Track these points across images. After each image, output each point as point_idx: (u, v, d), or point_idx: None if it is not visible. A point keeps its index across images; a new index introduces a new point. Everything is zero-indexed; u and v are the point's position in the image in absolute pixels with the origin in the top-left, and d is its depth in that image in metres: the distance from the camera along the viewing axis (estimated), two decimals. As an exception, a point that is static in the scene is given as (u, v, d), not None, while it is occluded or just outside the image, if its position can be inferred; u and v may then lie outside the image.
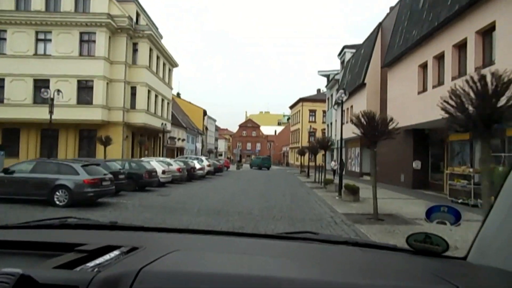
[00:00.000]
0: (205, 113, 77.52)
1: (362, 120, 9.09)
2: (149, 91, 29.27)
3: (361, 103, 26.63)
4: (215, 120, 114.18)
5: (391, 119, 8.79)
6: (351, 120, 9.03)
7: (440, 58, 14.50)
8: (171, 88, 37.70)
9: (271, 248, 1.42)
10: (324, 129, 60.40)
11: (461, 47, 12.97)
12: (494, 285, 1.06)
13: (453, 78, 13.06)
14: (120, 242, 1.23)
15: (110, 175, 11.72)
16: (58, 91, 19.98)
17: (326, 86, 48.66)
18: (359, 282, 0.98)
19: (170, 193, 15.45)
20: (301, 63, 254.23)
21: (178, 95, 75.53)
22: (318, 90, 69.60)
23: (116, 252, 1.11)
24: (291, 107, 69.70)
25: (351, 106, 30.68)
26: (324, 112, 61.12)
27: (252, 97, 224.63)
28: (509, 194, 1.13)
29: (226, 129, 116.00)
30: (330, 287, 0.93)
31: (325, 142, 20.94)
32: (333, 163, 33.16)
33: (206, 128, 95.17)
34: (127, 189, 15.16)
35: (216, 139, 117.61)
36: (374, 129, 8.79)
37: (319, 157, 51.71)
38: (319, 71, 48.06)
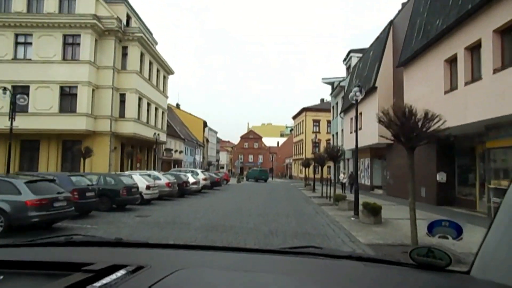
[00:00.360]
0: (205, 124, 75.37)
1: (393, 116, 6.59)
2: (140, 99, 27.01)
3: (371, 109, 24.20)
4: (216, 132, 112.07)
5: (436, 115, 6.30)
6: (380, 120, 6.45)
7: (474, 48, 12.08)
8: (167, 97, 35.49)
9: (274, 265, 1.43)
10: (329, 139, 57.92)
11: (504, 32, 10.53)
12: None
13: (496, 71, 10.60)
14: (125, 261, 1.24)
15: (66, 194, 9.21)
16: (21, 94, 17.61)
17: (330, 94, 46.37)
18: None
19: (152, 213, 12.92)
20: (304, 70, 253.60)
21: (178, 106, 73.57)
22: (322, 100, 67.43)
23: (122, 272, 1.13)
24: (294, 117, 67.42)
25: (360, 114, 28.23)
26: (328, 122, 58.74)
27: (254, 109, 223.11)
28: (510, 207, 1.12)
29: (228, 141, 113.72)
30: None
31: (335, 152, 18.39)
32: (342, 175, 30.56)
33: (207, 140, 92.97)
34: (100, 208, 12.71)
35: (218, 152, 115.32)
36: (412, 129, 6.29)
37: (325, 169, 49.11)
38: (323, 79, 45.82)
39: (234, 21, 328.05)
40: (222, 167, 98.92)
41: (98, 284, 1.00)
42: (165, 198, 18.06)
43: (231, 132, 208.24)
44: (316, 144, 59.61)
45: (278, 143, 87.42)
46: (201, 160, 71.77)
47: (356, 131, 13.59)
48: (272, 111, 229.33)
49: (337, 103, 42.82)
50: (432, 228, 1.42)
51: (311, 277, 1.23)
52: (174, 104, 72.98)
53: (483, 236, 1.20)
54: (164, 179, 18.27)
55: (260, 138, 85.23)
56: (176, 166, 44.42)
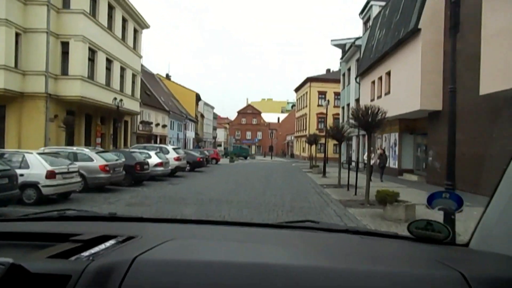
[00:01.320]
0: (198, 97, 68.33)
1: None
2: (93, 51, 20.13)
3: (409, 64, 17.33)
4: (213, 108, 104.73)
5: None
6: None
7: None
8: (140, 56, 28.48)
9: (270, 237, 1.40)
10: (337, 114, 51.11)
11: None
12: (497, 270, 1.03)
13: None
14: (116, 232, 1.22)
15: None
16: None
17: (341, 59, 39.19)
18: (358, 268, 0.97)
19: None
20: (307, 43, 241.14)
21: (168, 76, 66.37)
22: (328, 70, 60.11)
23: (111, 242, 1.11)
24: (297, 89, 60.28)
25: (388, 73, 21.34)
26: (336, 94, 51.74)
27: (254, 84, 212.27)
28: (510, 180, 1.12)
29: (227, 118, 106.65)
30: (328, 273, 0.91)
31: (369, 120, 11.71)
32: (366, 155, 24.00)
33: (202, 116, 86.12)
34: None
35: (215, 128, 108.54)
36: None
37: (330, 147, 42.91)
38: (332, 41, 38.58)
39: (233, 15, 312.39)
40: (220, 145, 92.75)
41: (86, 253, 0.99)
42: (102, 189, 11.61)
43: (229, 108, 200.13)
44: (321, 119, 52.86)
45: (278, 119, 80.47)
46: (194, 136, 65.25)
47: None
48: (273, 86, 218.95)
49: (349, 69, 35.80)
50: (432, 199, 1.35)
51: (307, 249, 1.23)
52: (163, 75, 65.95)
53: (483, 210, 1.20)
54: (99, 161, 11.68)
55: (259, 113, 78.32)
56: (159, 142, 37.88)
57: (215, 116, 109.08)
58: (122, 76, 24.90)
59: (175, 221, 1.63)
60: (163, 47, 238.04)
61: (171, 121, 43.08)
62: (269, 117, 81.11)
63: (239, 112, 77.71)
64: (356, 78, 28.95)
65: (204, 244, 1.18)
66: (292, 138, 67.00)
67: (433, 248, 1.23)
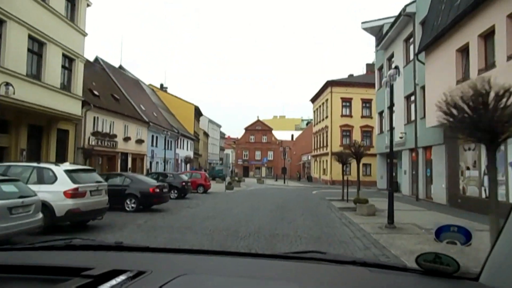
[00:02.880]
0: (198, 111, 59.05)
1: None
2: None
3: None
4: (219, 126, 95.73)
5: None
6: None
7: None
8: (84, 34, 19.02)
9: (277, 270, 1.40)
10: (367, 126, 40.81)
11: None
12: None
13: None
14: (126, 265, 1.22)
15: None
16: None
17: (376, 48, 29.13)
18: None
19: None
20: (321, 58, 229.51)
21: (162, 87, 57.49)
22: (351, 76, 50.11)
23: (122, 277, 1.09)
24: (314, 98, 50.27)
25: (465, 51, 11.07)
26: (365, 101, 41.61)
27: (265, 102, 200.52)
28: None
29: (237, 138, 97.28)
30: None
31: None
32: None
33: (206, 134, 76.74)
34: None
35: (222, 149, 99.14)
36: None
37: (353, 167, 32.11)
38: (363, 23, 28.68)
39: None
40: (229, 167, 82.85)
41: None
42: None
43: (237, 128, 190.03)
44: (345, 133, 42.53)
45: (292, 136, 70.36)
46: (193, 156, 55.45)
47: None
48: (286, 103, 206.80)
49: (391, 57, 25.69)
50: (440, 233, 1.36)
51: (314, 283, 1.22)
52: (157, 85, 57.19)
53: (493, 243, 1.19)
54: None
55: (270, 130, 68.37)
56: (131, 162, 28.06)
57: (223, 136, 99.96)
58: (44, 58, 15.43)
59: (183, 251, 1.65)
60: (168, 64, 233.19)
61: (152, 136, 33.35)
62: (282, 135, 71.12)
63: (246, 129, 67.92)
64: (416, 56, 18.67)
65: (215, 281, 1.18)
66: (309, 158, 56.53)
67: (442, 282, 1.22)
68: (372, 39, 31.21)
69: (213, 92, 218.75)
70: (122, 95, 30.02)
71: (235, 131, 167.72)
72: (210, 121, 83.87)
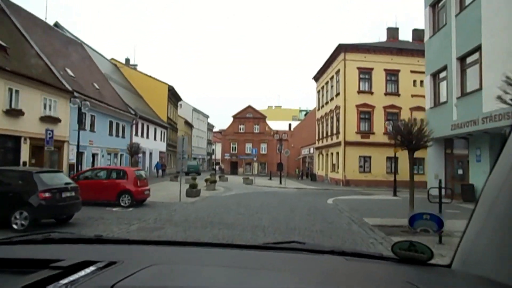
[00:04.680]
0: (174, 94, 47.89)
1: None
2: None
3: None
4: (207, 116, 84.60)
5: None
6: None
7: None
8: None
9: (254, 260, 1.39)
10: (392, 106, 30.30)
11: None
12: None
13: None
14: (99, 257, 1.19)
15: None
16: None
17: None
18: None
19: None
20: (321, 44, 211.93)
21: (128, 63, 46.27)
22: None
23: (92, 268, 1.08)
24: (319, 74, 39.31)
25: None
26: (390, 73, 30.89)
27: (259, 93, 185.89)
28: (488, 198, 1.12)
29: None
30: None
31: None
32: None
33: (189, 124, 65.61)
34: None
35: (210, 142, 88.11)
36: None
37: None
38: None
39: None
40: (218, 163, 72.04)
41: (64, 281, 0.95)
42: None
43: (230, 120, 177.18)
44: (365, 115, 31.75)
45: (290, 125, 59.49)
46: (166, 149, 44.62)
47: None
48: (282, 95, 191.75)
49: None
50: (413, 221, 1.40)
51: (292, 272, 1.23)
52: (119, 59, 46.04)
53: (463, 230, 1.20)
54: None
55: (263, 118, 57.28)
56: (30, 152, 17.12)
57: (211, 128, 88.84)
58: None
59: (160, 243, 1.64)
60: (158, 53, 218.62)
61: (83, 114, 22.19)
62: (277, 126, 60.26)
63: (235, 117, 56.72)
64: None
65: (185, 269, 1.16)
66: (311, 151, 45.74)
67: (416, 269, 1.24)
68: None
69: (200, 82, 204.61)
70: (23, 45, 18.99)
71: (227, 123, 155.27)
72: (195, 110, 72.61)
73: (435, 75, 18.06)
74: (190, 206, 13.71)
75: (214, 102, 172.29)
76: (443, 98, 17.22)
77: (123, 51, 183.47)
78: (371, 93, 30.70)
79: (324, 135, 37.15)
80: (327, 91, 36.45)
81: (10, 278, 1.07)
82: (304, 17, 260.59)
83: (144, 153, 34.14)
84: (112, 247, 1.53)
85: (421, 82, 30.98)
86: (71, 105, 16.35)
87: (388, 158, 30.39)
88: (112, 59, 43.23)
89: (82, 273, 1.02)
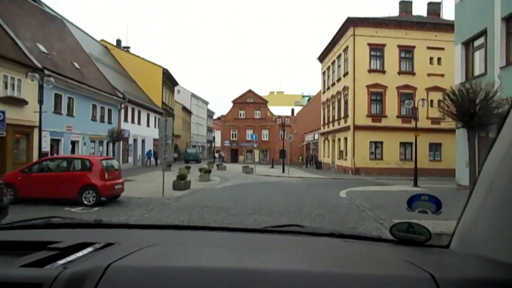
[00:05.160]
0: (169, 78, 45.02)
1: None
2: None
3: None
4: (206, 103, 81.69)
5: None
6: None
7: None
8: None
9: (254, 242, 1.40)
10: (407, 87, 27.55)
11: None
12: (469, 272, 1.02)
13: None
14: (97, 239, 1.20)
15: None
16: None
17: None
18: (333, 271, 0.98)
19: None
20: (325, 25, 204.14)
21: (120, 45, 43.32)
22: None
23: (89, 249, 1.09)
24: (324, 53, 36.26)
25: None
26: (404, 50, 27.97)
27: (260, 79, 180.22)
28: (486, 178, 1.11)
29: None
30: (305, 277, 0.92)
31: None
32: None
33: (187, 111, 62.84)
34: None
35: (210, 130, 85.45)
36: None
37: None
38: None
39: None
40: (218, 151, 69.64)
41: (61, 261, 0.97)
42: None
43: (228, 107, 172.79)
44: (376, 95, 28.87)
45: (293, 110, 56.66)
46: (165, 136, 41.75)
47: None
48: (284, 80, 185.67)
49: None
50: (411, 202, 1.37)
51: (291, 253, 1.23)
52: (110, 40, 43.08)
53: (461, 211, 1.20)
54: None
55: (264, 103, 54.37)
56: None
57: (211, 114, 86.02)
58: None
59: (160, 227, 1.63)
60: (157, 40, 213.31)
61: (58, 96, 19.46)
62: (279, 111, 57.35)
63: (235, 102, 53.82)
64: None
65: (184, 250, 1.16)
66: (316, 137, 43.02)
67: (414, 250, 1.24)
68: None
69: (200, 69, 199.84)
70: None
71: (227, 110, 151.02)
72: (194, 95, 69.70)
73: (468, 44, 15.17)
74: (173, 204, 11.12)
75: (215, 89, 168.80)
76: (479, 70, 14.38)
77: (115, 33, 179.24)
78: (383, 72, 27.76)
79: (331, 119, 34.34)
80: (333, 72, 33.49)
81: (9, 258, 1.07)
82: None
83: (135, 140, 31.57)
84: (111, 231, 1.53)
85: (439, 59, 28.07)
86: (29, 81, 13.58)
87: (402, 144, 27.73)
88: (102, 40, 40.30)
89: (79, 253, 1.03)
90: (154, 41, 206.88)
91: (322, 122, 38.54)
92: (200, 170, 21.07)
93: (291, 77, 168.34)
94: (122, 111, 28.00)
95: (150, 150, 31.01)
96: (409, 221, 1.30)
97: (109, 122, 25.84)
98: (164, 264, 0.96)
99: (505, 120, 1.09)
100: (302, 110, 55.75)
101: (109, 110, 25.96)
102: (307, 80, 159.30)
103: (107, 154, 25.42)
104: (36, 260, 0.96)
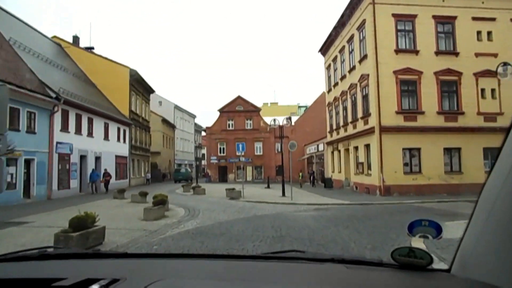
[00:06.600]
0: (140, 82, 37.22)
1: None
2: None
3: None
4: (193, 116, 73.87)
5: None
6: None
7: None
8: None
9: (256, 270, 1.39)
10: (448, 72, 20.06)
11: None
12: None
13: None
14: (100, 274, 1.17)
15: None
16: None
17: None
18: None
19: None
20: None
21: (77, 43, 35.68)
22: None
23: (95, 287, 1.06)
24: (330, 41, 28.82)
25: None
26: (443, 22, 20.54)
27: (253, 91, 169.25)
28: (487, 200, 1.08)
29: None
30: None
31: None
32: None
33: (171, 125, 54.93)
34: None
35: (199, 146, 77.51)
36: None
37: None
38: None
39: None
40: (204, 168, 61.39)
41: None
42: None
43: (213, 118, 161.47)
44: (406, 85, 20.90)
45: (290, 119, 49.07)
46: (129, 152, 34.29)
47: None
48: (278, 89, 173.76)
49: None
50: (412, 228, 1.37)
51: (292, 282, 1.23)
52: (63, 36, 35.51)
53: (462, 234, 1.19)
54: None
55: (257, 111, 46.58)
56: None
57: (199, 129, 78.11)
58: None
59: (160, 256, 1.62)
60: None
61: None
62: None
63: (222, 111, 46.01)
64: None
65: (193, 284, 1.16)
66: (321, 147, 35.26)
67: (416, 275, 1.24)
68: None
69: (187, 82, 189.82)
70: None
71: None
72: (178, 107, 61.82)
73: None
74: None
75: (203, 102, 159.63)
76: None
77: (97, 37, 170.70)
78: (416, 52, 20.32)
79: (341, 123, 26.67)
80: (343, 61, 26.02)
81: None
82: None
83: (83, 157, 23.53)
84: (112, 262, 1.51)
85: (489, 34, 20.64)
86: None
87: (447, 151, 20.06)
88: (55, 37, 32.78)
89: None
90: (135, 50, 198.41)
91: (328, 129, 30.86)
92: (154, 198, 13.14)
93: (286, 87, 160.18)
94: (58, 117, 20.10)
95: (93, 170, 22.92)
96: (410, 246, 1.30)
97: (30, 131, 17.89)
98: None
99: (508, 132, 1.05)
100: (301, 118, 48.33)
101: (32, 115, 18.05)
102: (303, 90, 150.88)
103: (27, 176, 17.47)
104: None
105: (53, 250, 1.59)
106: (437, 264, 1.29)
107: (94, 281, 1.08)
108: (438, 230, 1.36)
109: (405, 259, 1.28)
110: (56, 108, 19.50)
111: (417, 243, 1.34)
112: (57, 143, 19.96)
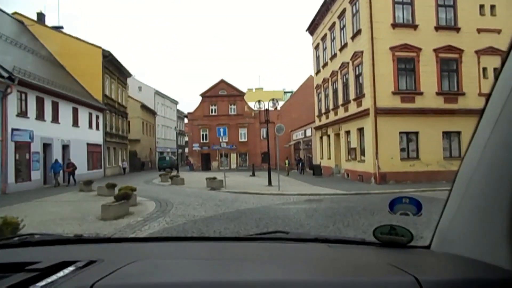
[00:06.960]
0: (112, 61, 34.39)
1: None
2: None
3: None
4: (176, 103, 71.11)
5: None
6: None
7: None
8: None
9: (239, 251, 1.38)
10: (449, 50, 18.30)
11: None
12: (451, 272, 1.05)
13: None
14: (78, 257, 1.14)
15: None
16: None
17: None
18: (318, 280, 0.98)
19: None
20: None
21: (42, 20, 32.57)
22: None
23: (70, 268, 1.04)
24: (319, 17, 26.78)
25: None
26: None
27: (237, 76, 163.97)
28: (463, 178, 1.12)
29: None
30: (294, 286, 0.92)
31: None
32: None
33: (151, 111, 52.27)
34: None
35: (182, 133, 74.90)
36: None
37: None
38: None
39: None
40: (187, 156, 59.06)
41: (42, 283, 0.91)
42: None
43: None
44: (403, 62, 18.87)
45: (277, 101, 47.16)
46: (103, 139, 31.86)
47: None
48: (263, 74, 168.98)
49: None
50: (393, 205, 1.39)
51: (276, 261, 1.22)
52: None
53: (440, 213, 1.21)
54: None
55: (241, 95, 44.42)
56: None
57: (182, 116, 75.32)
58: None
59: (142, 240, 1.61)
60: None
61: None
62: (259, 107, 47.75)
63: (204, 96, 43.63)
64: None
65: (168, 264, 1.12)
66: (308, 133, 33.54)
67: (395, 252, 1.26)
68: None
69: (169, 65, 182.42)
70: None
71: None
72: (159, 93, 59.01)
73: None
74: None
75: (185, 88, 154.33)
76: None
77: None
78: (414, 27, 18.55)
79: (331, 106, 24.89)
80: (333, 39, 24.10)
81: None
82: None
83: (47, 145, 21.13)
84: (93, 246, 1.48)
85: (492, 7, 18.98)
86: None
87: (446, 135, 18.57)
88: (16, 13, 29.70)
89: (60, 274, 0.98)
90: (115, 33, 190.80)
91: (317, 113, 29.09)
92: (119, 191, 11.15)
93: (271, 72, 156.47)
94: (13, 100, 17.64)
95: (56, 161, 20.57)
96: (392, 224, 1.30)
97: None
98: (147, 281, 0.94)
99: (480, 118, 1.06)
100: (287, 103, 46.47)
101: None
102: (289, 75, 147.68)
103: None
104: (14, 283, 0.89)
105: (34, 237, 1.52)
106: (418, 241, 1.31)
107: (70, 263, 1.05)
108: (419, 207, 1.36)
109: (387, 237, 1.29)
110: (9, 90, 17.02)
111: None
112: (13, 129, 17.55)
